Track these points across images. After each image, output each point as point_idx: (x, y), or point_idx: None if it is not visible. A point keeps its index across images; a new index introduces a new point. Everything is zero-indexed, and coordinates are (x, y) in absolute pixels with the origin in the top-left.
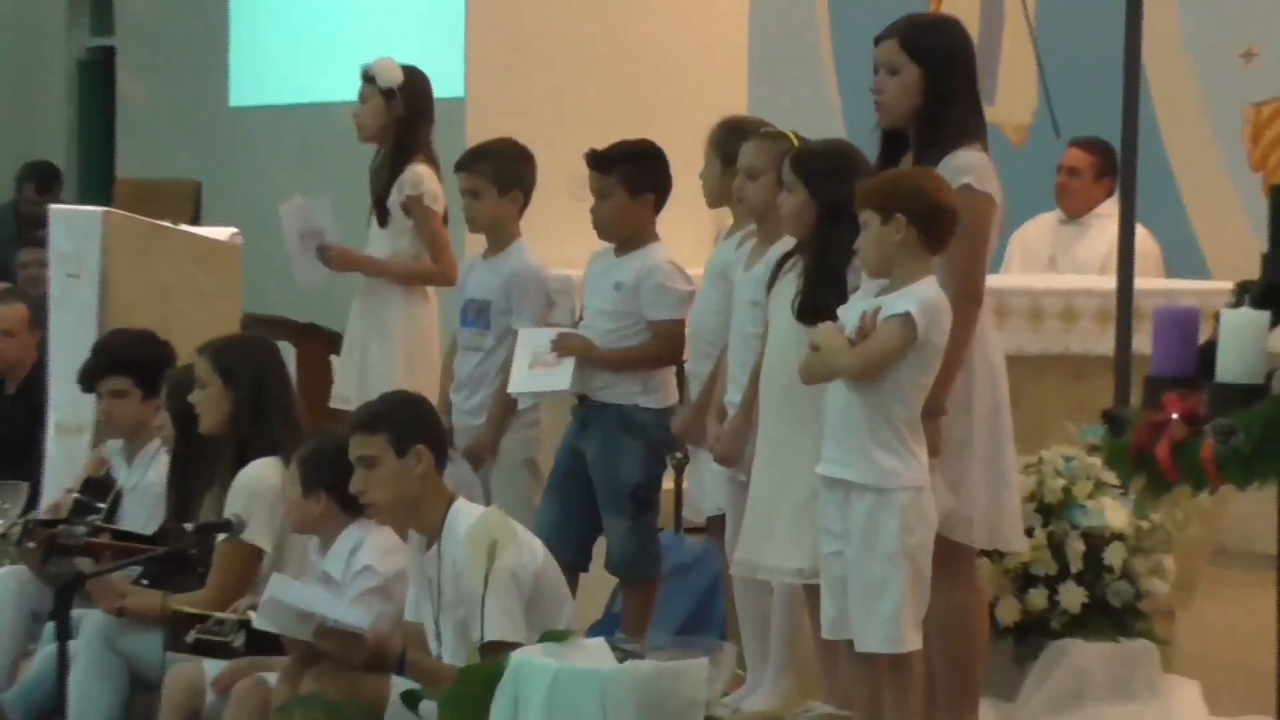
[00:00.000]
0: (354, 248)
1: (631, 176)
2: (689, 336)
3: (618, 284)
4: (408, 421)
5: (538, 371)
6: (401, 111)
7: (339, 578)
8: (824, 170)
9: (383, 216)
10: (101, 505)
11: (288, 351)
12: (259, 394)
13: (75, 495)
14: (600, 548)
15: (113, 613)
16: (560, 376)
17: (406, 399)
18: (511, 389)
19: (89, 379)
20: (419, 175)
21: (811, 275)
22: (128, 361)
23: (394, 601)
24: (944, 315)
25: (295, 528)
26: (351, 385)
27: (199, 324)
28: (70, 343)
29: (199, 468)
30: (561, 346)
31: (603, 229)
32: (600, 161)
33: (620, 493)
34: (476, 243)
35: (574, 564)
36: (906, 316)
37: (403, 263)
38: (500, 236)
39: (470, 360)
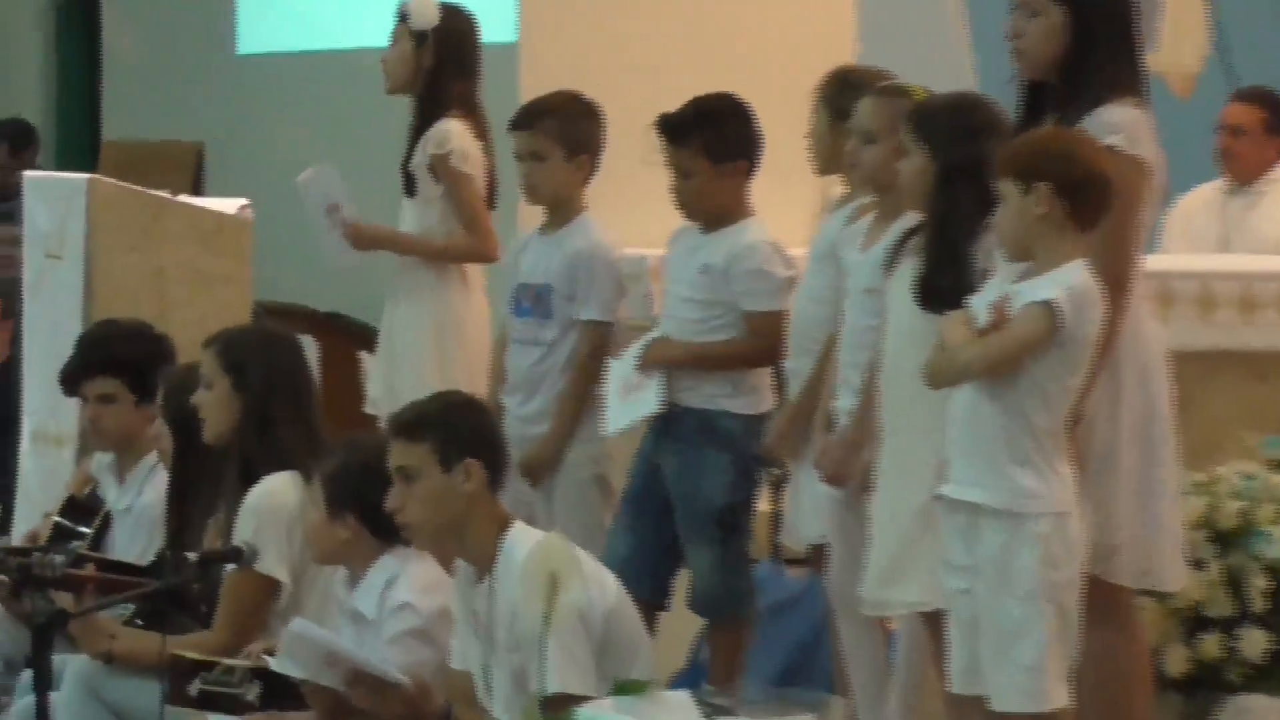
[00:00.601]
0: (379, 224)
1: (713, 145)
2: (789, 329)
3: (705, 267)
4: (458, 428)
5: (630, 400)
6: (432, 58)
7: (371, 616)
8: (948, 129)
9: (408, 183)
10: (86, 530)
11: (309, 347)
12: (274, 397)
13: (55, 519)
14: (684, 581)
15: (100, 658)
16: (648, 398)
17: (460, 402)
18: (609, 429)
19: (72, 380)
20: (447, 131)
21: (932, 252)
22: (119, 359)
23: (437, 646)
24: (1094, 304)
25: (318, 557)
26: (380, 386)
27: (202, 314)
28: (48, 337)
29: (202, 485)
30: (645, 359)
31: (687, 208)
32: (675, 131)
33: (704, 516)
34: (532, 219)
35: (652, 601)
36: (1047, 305)
37: (432, 239)
38: (563, 209)
39: (526, 357)
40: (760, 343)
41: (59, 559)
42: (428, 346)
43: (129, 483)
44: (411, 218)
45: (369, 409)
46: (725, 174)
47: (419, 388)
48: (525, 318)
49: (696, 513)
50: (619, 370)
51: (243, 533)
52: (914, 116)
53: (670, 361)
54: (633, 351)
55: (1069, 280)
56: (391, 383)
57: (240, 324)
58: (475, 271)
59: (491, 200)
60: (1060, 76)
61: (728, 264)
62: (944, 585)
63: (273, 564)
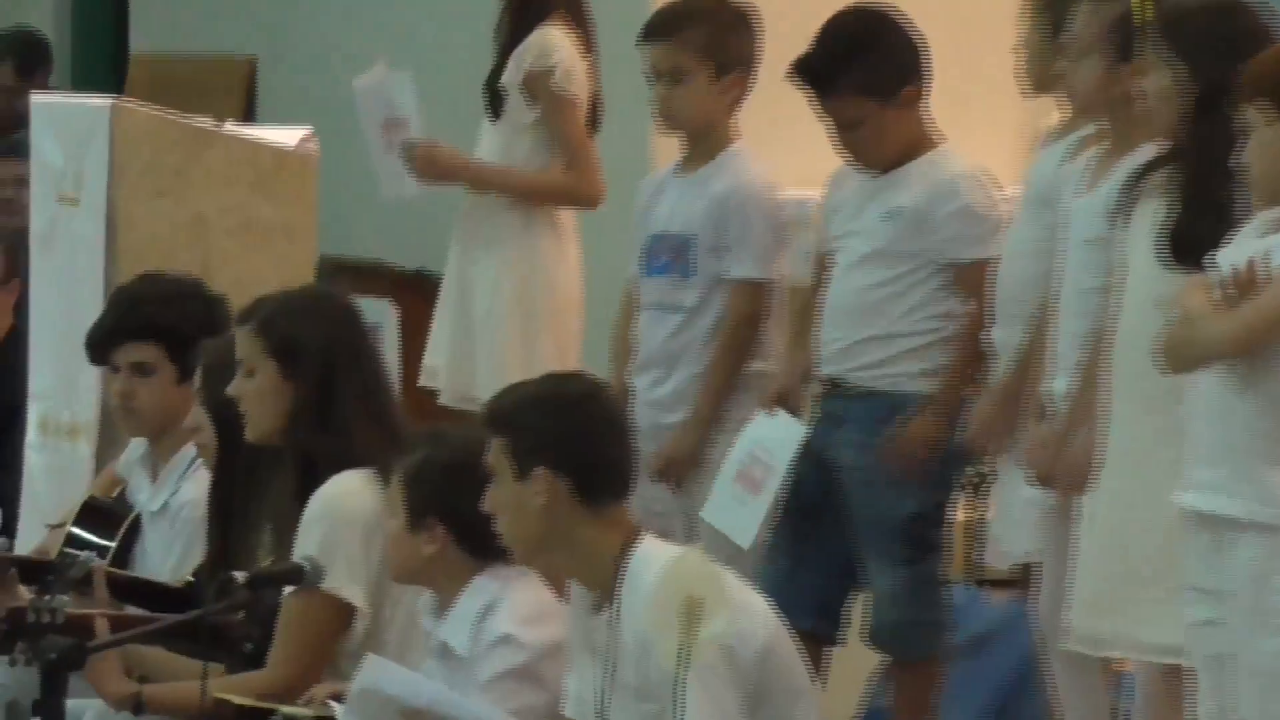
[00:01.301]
0: (455, 148)
1: (873, 83)
2: (995, 289)
3: (892, 212)
4: (535, 427)
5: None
6: None
7: (464, 651)
8: (1207, 39)
9: (495, 103)
10: (107, 544)
11: (386, 313)
12: (335, 380)
13: (69, 529)
14: (859, 608)
15: (125, 707)
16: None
17: (552, 391)
18: (743, 542)
19: (102, 345)
20: (549, 42)
21: (1186, 192)
22: (161, 322)
23: (546, 689)
24: None
25: (397, 574)
26: (443, 353)
27: (254, 273)
28: (61, 303)
29: (251, 492)
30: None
31: (866, 160)
32: (820, 79)
33: (889, 527)
34: (665, 152)
35: (819, 635)
36: None
37: (522, 172)
38: (709, 140)
39: (661, 326)
40: (975, 309)
41: (60, 600)
42: (508, 309)
43: (164, 478)
44: (493, 146)
45: (424, 380)
46: (899, 107)
47: (495, 360)
48: (660, 276)
49: (879, 523)
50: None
51: (305, 546)
52: (1163, 24)
53: (918, 445)
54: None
55: None
56: (460, 352)
57: (284, 291)
58: (568, 218)
59: (594, 127)
60: None
61: (928, 205)
62: (1185, 615)
63: (344, 583)
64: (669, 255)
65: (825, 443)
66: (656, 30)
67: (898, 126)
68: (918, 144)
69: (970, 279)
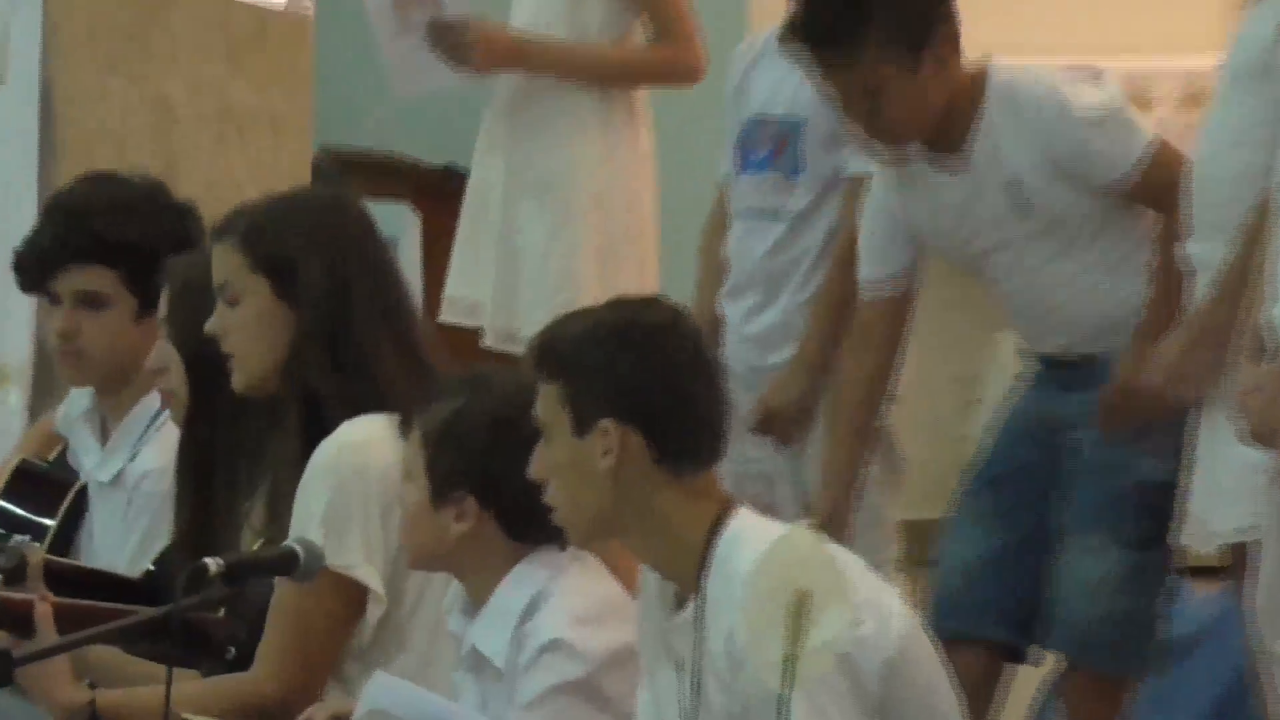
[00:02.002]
0: (511, 28)
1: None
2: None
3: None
4: (597, 367)
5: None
6: None
7: (501, 661)
8: None
9: None
10: (46, 522)
11: (404, 221)
12: (344, 304)
13: None
14: None
15: (74, 718)
16: None
17: (623, 320)
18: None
19: (38, 269)
20: None
21: None
22: (113, 239)
23: (609, 709)
24: None
25: (417, 557)
26: (475, 279)
27: (233, 173)
28: None
29: (236, 447)
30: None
31: (895, 135)
32: (825, 38)
33: (1121, 501)
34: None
35: (1006, 644)
36: None
37: (604, 47)
38: None
39: (760, 238)
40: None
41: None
42: (582, 227)
43: (118, 440)
44: (550, 17)
45: (445, 313)
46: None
47: (559, 293)
48: (758, 174)
49: (1114, 499)
50: None
51: (304, 517)
52: None
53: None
54: None
55: None
56: (507, 281)
57: (278, 193)
58: (645, 106)
59: None
60: None
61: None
62: None
63: (356, 561)
64: (770, 146)
65: (1052, 402)
66: None
67: (928, 89)
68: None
69: (1154, 178)
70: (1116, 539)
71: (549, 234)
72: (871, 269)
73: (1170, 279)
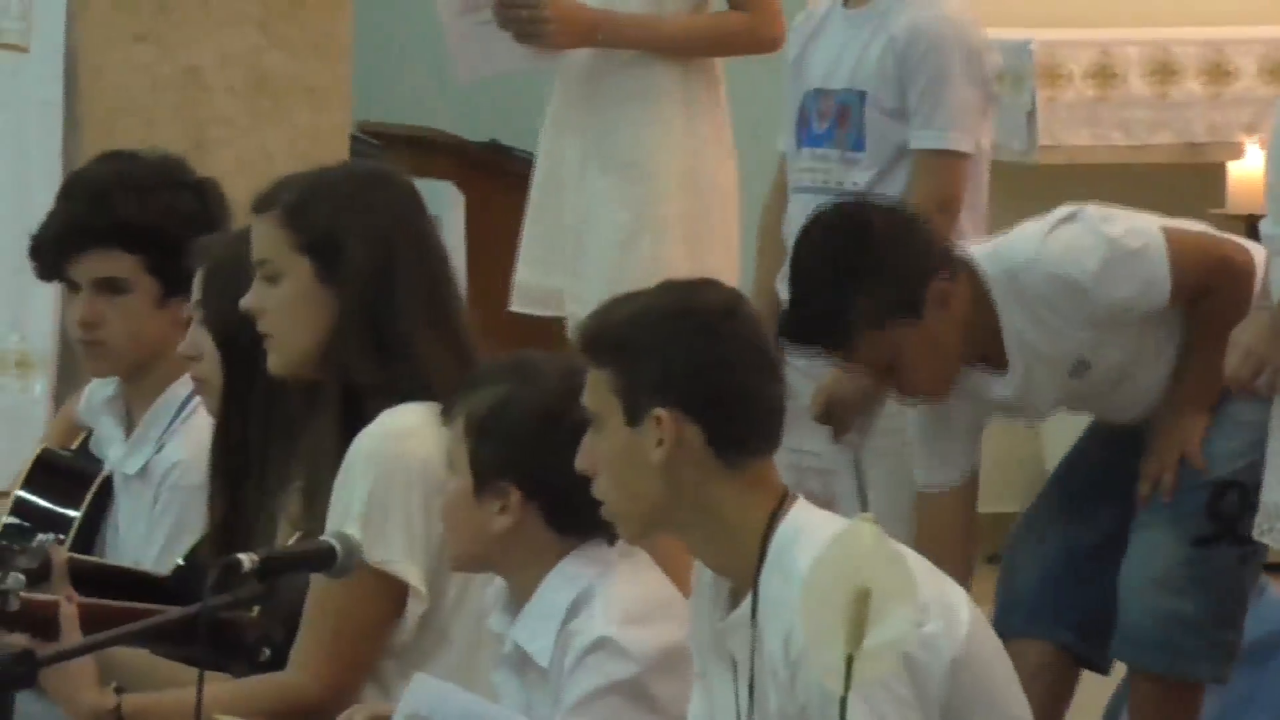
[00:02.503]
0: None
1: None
2: (1270, 174)
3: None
4: (652, 352)
5: None
6: None
7: (545, 661)
8: None
9: None
10: (70, 513)
11: (447, 199)
12: (389, 284)
13: (17, 493)
14: None
15: None
16: None
17: (679, 304)
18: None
19: (54, 255)
20: None
21: None
22: (133, 221)
23: (657, 709)
24: None
25: (459, 556)
26: (551, 265)
27: (268, 148)
28: (7, 186)
29: (272, 436)
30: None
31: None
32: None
33: (1192, 494)
34: None
35: (1080, 655)
36: None
37: (683, 17)
38: None
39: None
40: None
41: (12, 580)
42: (670, 203)
43: (143, 431)
44: None
45: (517, 303)
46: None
47: (648, 274)
48: (819, 149)
49: (1176, 496)
50: None
51: (342, 509)
52: None
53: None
54: None
55: None
56: (584, 259)
57: (322, 167)
58: (721, 76)
59: None
60: None
61: None
62: None
63: (397, 556)
64: (830, 120)
65: None
66: None
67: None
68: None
69: None
70: (1177, 536)
71: (635, 216)
72: (932, 474)
73: (1208, 345)
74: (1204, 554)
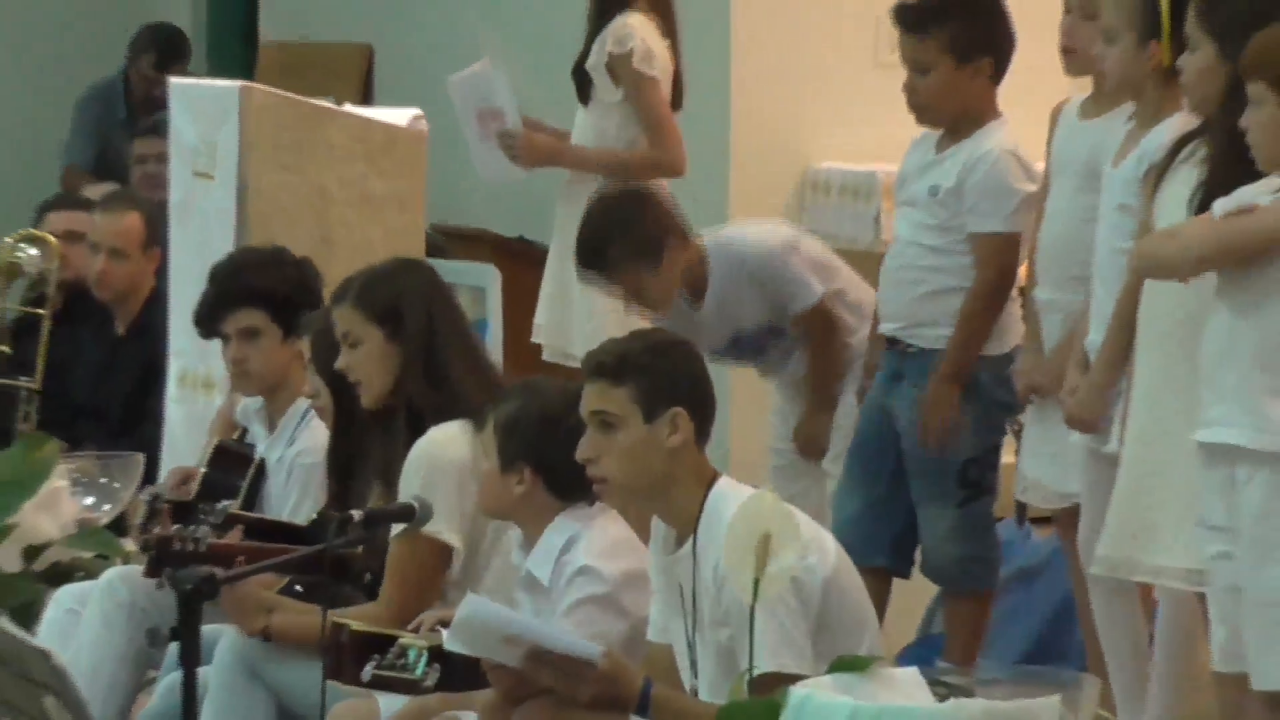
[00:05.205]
0: (546, 135)
1: (959, 38)
2: (1040, 255)
3: (934, 188)
4: (664, 373)
5: None
6: None
7: (547, 582)
8: (1240, 19)
9: (583, 88)
10: (239, 483)
11: (489, 276)
12: (438, 336)
13: (203, 470)
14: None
15: (256, 635)
16: None
17: (665, 341)
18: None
19: (210, 318)
20: (626, 28)
21: (1219, 164)
22: (259, 288)
23: (628, 617)
24: None
25: (489, 510)
26: (554, 322)
27: (369, 240)
28: (197, 268)
29: (367, 445)
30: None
31: (922, 110)
32: (916, 21)
33: (944, 471)
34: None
35: (887, 568)
36: None
37: (612, 150)
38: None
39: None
40: (988, 274)
41: (203, 530)
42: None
43: (280, 432)
44: (586, 127)
45: (536, 336)
46: (968, 73)
47: (594, 320)
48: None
49: (934, 467)
50: None
51: (408, 489)
52: (1202, 5)
53: (938, 409)
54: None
55: None
56: (559, 313)
57: (366, 266)
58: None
59: (676, 104)
60: None
61: (960, 178)
62: (1201, 549)
63: (442, 528)
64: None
65: (886, 395)
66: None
67: (960, 88)
68: (977, 115)
69: (982, 250)
70: (945, 500)
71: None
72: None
73: (971, 322)
74: (965, 511)
